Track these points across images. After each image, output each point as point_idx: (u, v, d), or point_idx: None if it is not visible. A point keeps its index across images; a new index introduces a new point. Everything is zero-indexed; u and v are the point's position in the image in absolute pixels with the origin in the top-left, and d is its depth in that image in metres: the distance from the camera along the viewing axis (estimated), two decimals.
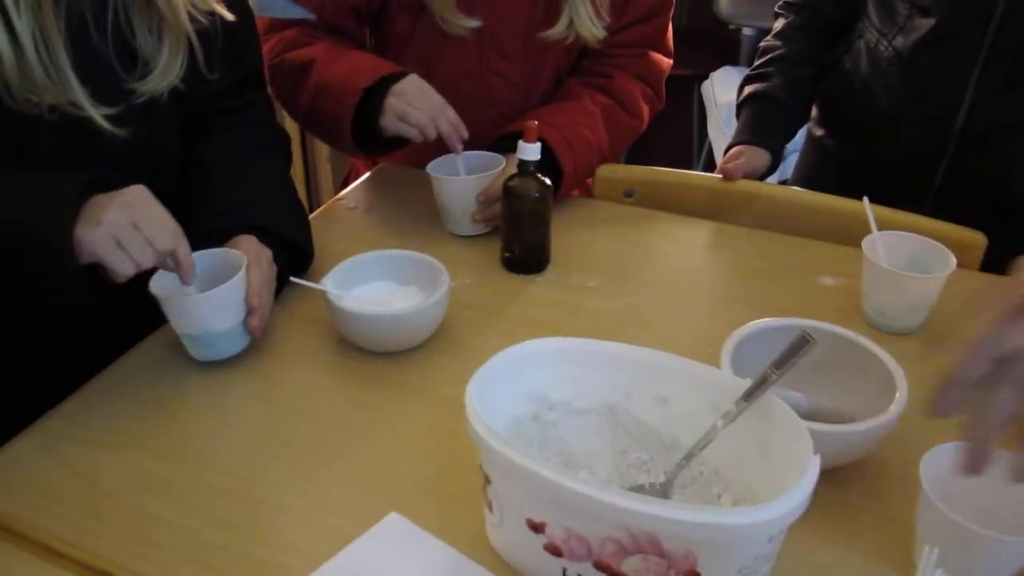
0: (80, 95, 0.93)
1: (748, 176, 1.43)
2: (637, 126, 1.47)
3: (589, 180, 1.47)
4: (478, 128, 1.31)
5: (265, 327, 1.04)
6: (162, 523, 0.82)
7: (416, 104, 1.23)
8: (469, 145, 1.29)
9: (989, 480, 0.76)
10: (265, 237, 1.07)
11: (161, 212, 0.92)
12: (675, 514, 0.63)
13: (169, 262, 0.94)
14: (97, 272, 0.90)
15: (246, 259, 1.00)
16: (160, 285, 0.97)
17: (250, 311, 1.00)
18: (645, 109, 1.46)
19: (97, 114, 0.95)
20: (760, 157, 1.45)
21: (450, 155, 1.29)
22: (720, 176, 1.43)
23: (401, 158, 1.51)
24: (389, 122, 1.24)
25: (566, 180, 1.33)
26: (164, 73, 1.02)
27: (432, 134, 1.24)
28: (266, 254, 1.05)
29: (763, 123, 1.50)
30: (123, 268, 0.89)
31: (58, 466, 0.89)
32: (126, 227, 0.88)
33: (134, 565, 0.78)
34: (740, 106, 1.54)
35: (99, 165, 0.97)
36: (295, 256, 1.14)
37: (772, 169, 1.48)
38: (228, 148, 1.16)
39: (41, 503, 0.84)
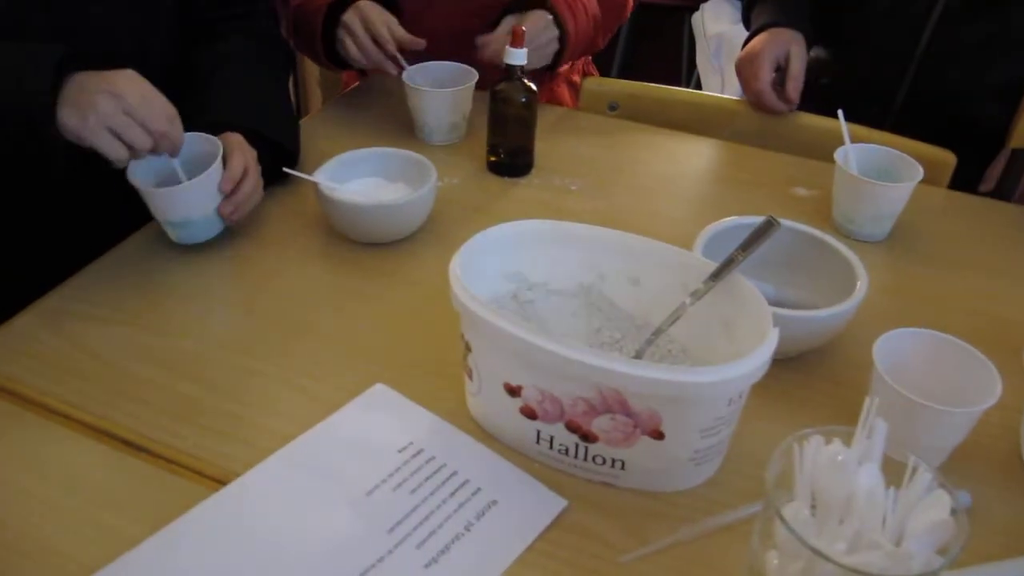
0: None
1: (795, 78, 1.38)
2: (623, 1, 1.50)
3: (575, 78, 1.49)
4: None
5: (245, 219, 1.07)
6: (160, 389, 0.87)
7: (357, 33, 1.29)
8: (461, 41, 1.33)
9: (938, 365, 0.82)
10: (250, 136, 1.08)
11: (153, 94, 0.93)
12: (640, 372, 0.68)
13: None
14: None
15: (221, 146, 1.02)
16: (137, 173, 0.99)
17: (226, 197, 1.03)
18: None
19: None
20: (797, 41, 1.38)
21: (426, 64, 1.33)
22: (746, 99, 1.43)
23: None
24: (341, 49, 1.32)
25: (570, 42, 1.34)
26: None
27: (368, 64, 1.31)
28: (251, 153, 1.07)
29: (791, 4, 1.45)
30: (119, 154, 0.91)
31: (60, 338, 0.93)
32: (118, 115, 0.89)
33: (134, 425, 0.83)
34: None
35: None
36: (280, 158, 1.15)
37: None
38: (222, 53, 1.17)
39: (45, 371, 0.89)
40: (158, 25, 1.11)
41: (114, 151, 0.90)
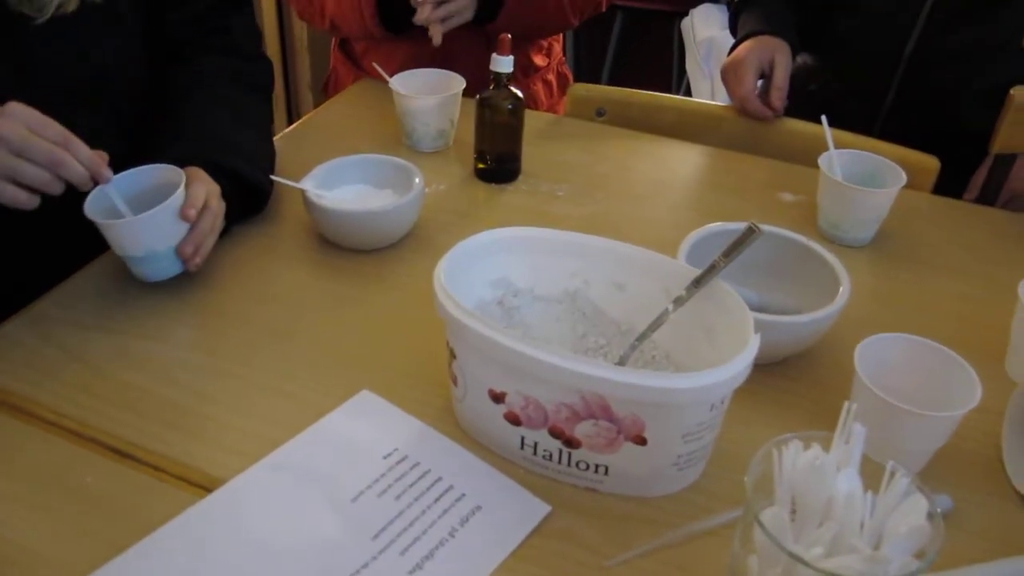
0: None
1: (779, 87, 1.39)
2: None
3: (550, 77, 1.49)
4: None
5: (207, 258, 1.01)
6: (147, 395, 0.87)
7: None
8: None
9: (919, 370, 0.82)
10: (216, 171, 1.03)
11: (40, 123, 0.84)
12: (623, 378, 0.69)
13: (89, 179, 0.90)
14: None
15: (184, 177, 0.96)
16: (94, 207, 0.94)
17: (188, 232, 0.97)
18: None
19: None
20: (782, 50, 1.39)
21: (414, 71, 1.33)
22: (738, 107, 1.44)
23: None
24: None
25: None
26: None
27: None
28: (214, 187, 1.01)
29: (776, 14, 1.46)
30: (26, 200, 0.85)
31: (49, 345, 0.93)
32: (5, 160, 0.82)
33: (121, 432, 0.83)
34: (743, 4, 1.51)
35: (45, 95, 0.90)
36: (250, 192, 1.10)
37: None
38: (194, 76, 1.13)
39: (34, 378, 0.89)
40: (117, 53, 1.06)
41: (18, 199, 0.84)
